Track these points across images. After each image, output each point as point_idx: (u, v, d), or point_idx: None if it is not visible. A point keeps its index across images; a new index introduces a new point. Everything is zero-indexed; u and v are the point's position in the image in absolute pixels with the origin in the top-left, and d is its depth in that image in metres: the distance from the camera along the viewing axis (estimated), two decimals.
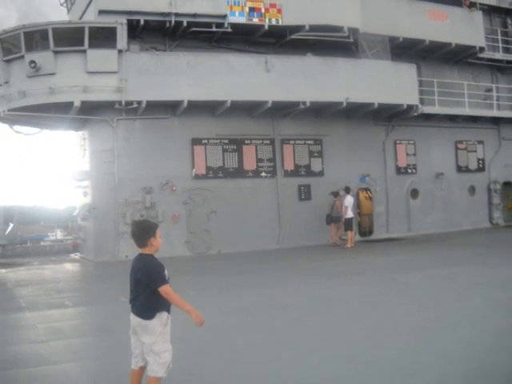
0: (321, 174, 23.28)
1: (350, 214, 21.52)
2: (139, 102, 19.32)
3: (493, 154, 27.81)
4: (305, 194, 22.91)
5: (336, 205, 21.73)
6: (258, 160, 22.05)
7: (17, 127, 22.30)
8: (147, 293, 5.25)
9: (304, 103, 20.95)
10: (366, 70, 22.10)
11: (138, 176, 19.94)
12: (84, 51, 18.82)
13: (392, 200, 24.85)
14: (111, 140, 20.01)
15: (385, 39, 22.76)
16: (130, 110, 19.73)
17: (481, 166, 27.60)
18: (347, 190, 21.84)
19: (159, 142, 20.35)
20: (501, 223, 27.40)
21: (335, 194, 21.82)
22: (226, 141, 21.44)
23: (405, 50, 24.16)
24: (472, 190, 27.11)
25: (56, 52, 18.84)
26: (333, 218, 21.79)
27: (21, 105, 19.46)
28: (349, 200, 21.53)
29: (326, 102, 21.63)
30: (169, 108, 20.36)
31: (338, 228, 22.18)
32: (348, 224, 21.55)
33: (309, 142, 23.08)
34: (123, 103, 19.21)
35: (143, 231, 5.33)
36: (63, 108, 19.39)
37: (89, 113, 19.91)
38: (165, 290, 5.20)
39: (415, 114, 23.41)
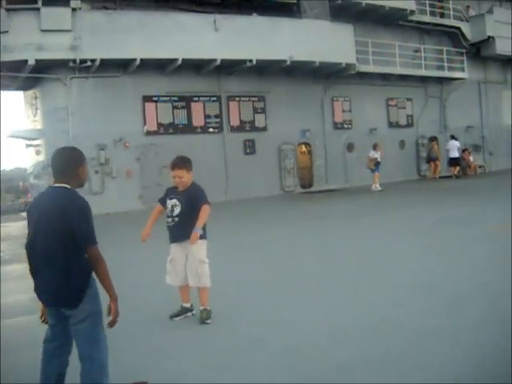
0: (264, 129, 24.52)
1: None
2: (93, 61, 19.77)
3: (420, 111, 29.80)
4: (250, 148, 24.07)
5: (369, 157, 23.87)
6: (206, 116, 23.00)
7: None
8: (193, 216, 6.13)
9: (250, 61, 21.98)
10: (308, 30, 23.24)
11: (92, 133, 20.39)
12: (38, 9, 19.04)
13: (330, 153, 26.42)
14: (64, 98, 20.37)
15: (325, 1, 23.97)
16: (83, 68, 20.10)
17: (410, 121, 29.57)
18: (374, 147, 23.90)
19: (112, 99, 20.86)
20: (428, 175, 29.41)
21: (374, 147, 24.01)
22: (176, 98, 22.27)
23: (342, 11, 25.28)
24: (402, 144, 29.06)
25: (9, 10, 18.96)
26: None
27: None
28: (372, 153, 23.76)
29: (270, 60, 22.66)
30: (120, 66, 20.85)
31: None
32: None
33: (253, 98, 24.23)
34: (77, 61, 19.65)
35: None
36: (14, 67, 19.57)
37: (41, 71, 20.13)
38: (206, 208, 6.18)
39: (352, 72, 24.87)
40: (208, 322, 6.20)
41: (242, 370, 4.76)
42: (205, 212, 6.15)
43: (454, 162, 27.98)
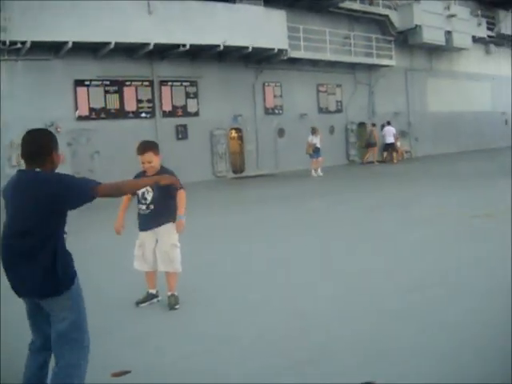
0: (196, 114, 25.17)
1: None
2: (23, 43, 19.77)
3: (349, 97, 31.10)
4: (182, 133, 24.66)
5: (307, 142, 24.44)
6: (138, 101, 23.43)
7: None
8: (167, 202, 6.30)
9: (184, 46, 22.54)
10: (241, 15, 24.01)
11: (23, 118, 20.26)
12: None
13: (261, 139, 27.34)
14: None
15: None
16: (13, 50, 20.05)
17: (339, 107, 30.84)
18: (312, 131, 24.50)
19: (42, 83, 20.92)
20: (356, 160, 30.90)
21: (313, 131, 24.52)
22: (108, 82, 22.57)
23: None
24: (332, 129, 30.29)
25: None
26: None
27: None
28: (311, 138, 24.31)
29: (204, 45, 23.29)
30: (52, 49, 20.95)
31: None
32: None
33: (185, 83, 24.80)
34: (7, 43, 19.61)
35: None
36: None
37: None
38: (183, 193, 6.29)
39: (284, 57, 25.85)
40: (177, 307, 6.34)
41: (219, 355, 4.99)
42: (183, 198, 6.29)
43: (389, 147, 29.72)
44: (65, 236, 3.78)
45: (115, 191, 3.86)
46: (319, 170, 24.14)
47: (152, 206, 6.31)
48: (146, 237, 6.43)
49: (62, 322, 3.69)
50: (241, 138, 27.15)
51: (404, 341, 5.07)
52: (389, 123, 30.10)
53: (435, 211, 12.41)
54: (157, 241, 6.41)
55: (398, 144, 31.08)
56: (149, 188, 6.32)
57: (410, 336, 5.19)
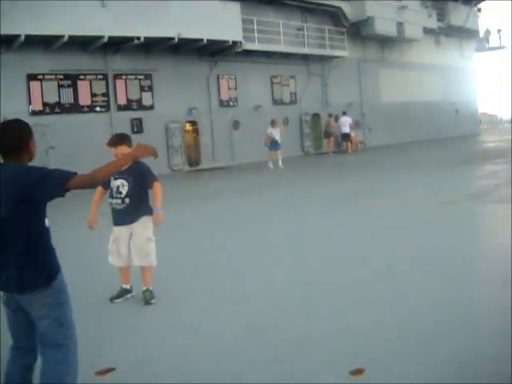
0: (151, 107, 25.33)
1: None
2: None
3: (303, 88, 31.62)
4: (137, 127, 24.79)
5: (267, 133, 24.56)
6: (93, 95, 23.46)
7: None
8: (142, 195, 6.40)
9: (138, 38, 22.68)
10: (196, 8, 24.17)
11: None
12: None
13: (216, 131, 27.65)
14: None
15: None
16: None
17: (293, 99, 31.34)
18: (272, 123, 24.60)
19: None
20: (311, 151, 31.51)
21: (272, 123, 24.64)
22: (61, 76, 22.55)
23: None
24: (286, 121, 30.75)
25: None
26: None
27: None
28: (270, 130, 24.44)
29: (158, 38, 23.47)
30: (3, 43, 20.79)
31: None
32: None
33: (140, 76, 24.93)
34: None
35: None
36: None
37: None
38: (158, 185, 6.41)
39: (239, 50, 26.21)
40: (152, 302, 6.34)
41: (201, 349, 5.04)
42: (159, 190, 6.32)
43: (345, 137, 30.55)
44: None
45: (90, 181, 3.55)
46: (280, 163, 24.14)
47: (127, 200, 6.27)
48: (121, 231, 6.42)
49: (43, 319, 3.62)
50: (196, 131, 27.39)
51: (396, 330, 5.15)
52: (344, 113, 30.81)
53: (397, 200, 12.89)
54: (131, 235, 6.40)
55: (353, 134, 31.73)
56: (124, 182, 6.24)
57: (405, 326, 5.23)
